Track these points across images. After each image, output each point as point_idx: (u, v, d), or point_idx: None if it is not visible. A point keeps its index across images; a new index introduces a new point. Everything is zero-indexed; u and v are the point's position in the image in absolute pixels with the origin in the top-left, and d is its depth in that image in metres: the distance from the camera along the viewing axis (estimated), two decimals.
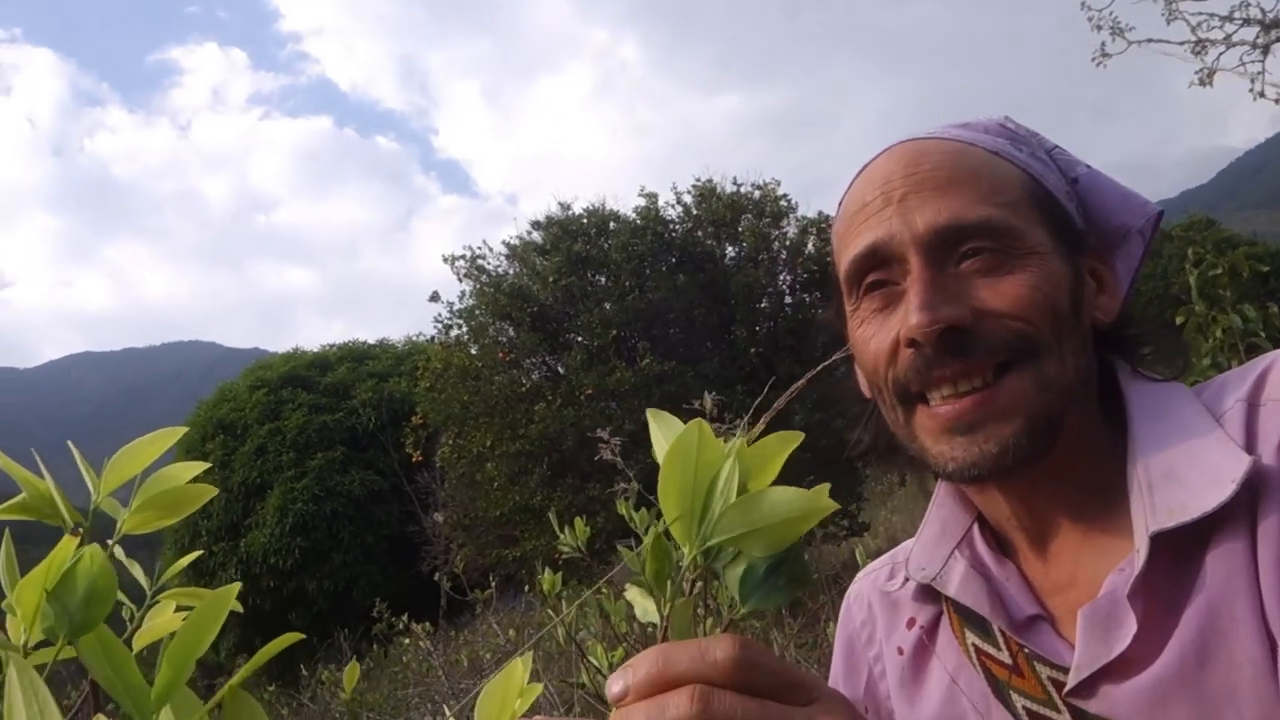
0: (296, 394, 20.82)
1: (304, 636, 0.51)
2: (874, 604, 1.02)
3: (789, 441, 0.50)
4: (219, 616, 0.41)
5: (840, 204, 0.94)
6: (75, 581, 0.42)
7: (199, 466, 0.57)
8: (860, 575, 1.08)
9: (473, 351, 14.24)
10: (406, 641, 7.82)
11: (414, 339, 23.73)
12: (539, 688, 0.60)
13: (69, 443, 0.57)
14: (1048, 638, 0.83)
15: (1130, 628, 0.73)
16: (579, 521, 2.07)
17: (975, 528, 0.93)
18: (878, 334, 0.86)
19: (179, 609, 0.62)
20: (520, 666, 0.53)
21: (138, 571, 0.63)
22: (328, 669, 9.21)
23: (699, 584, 0.53)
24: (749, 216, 14.34)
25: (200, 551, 0.74)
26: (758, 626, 5.25)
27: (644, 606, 0.66)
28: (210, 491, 0.56)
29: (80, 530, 0.47)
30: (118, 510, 0.55)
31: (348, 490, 19.23)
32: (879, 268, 0.85)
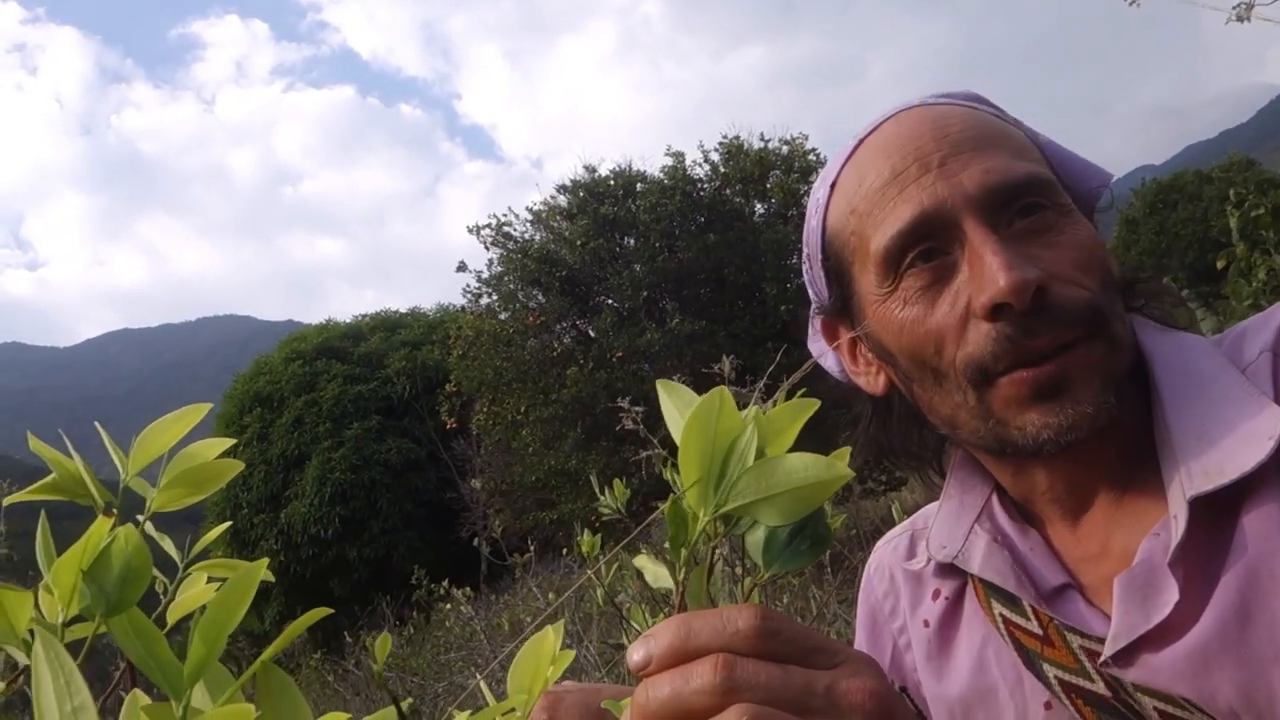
0: (331, 365, 21.03)
1: (333, 611, 0.51)
2: (896, 576, 1.00)
3: (803, 410, 0.48)
4: (249, 591, 0.41)
5: (835, 183, 0.88)
6: (110, 561, 0.42)
7: (225, 442, 0.57)
8: (880, 544, 1.06)
9: (503, 318, 14.30)
10: (448, 607, 7.93)
11: (445, 307, 23.86)
12: (571, 654, 0.60)
13: (96, 423, 0.57)
14: (1077, 607, 0.81)
15: (1171, 595, 0.71)
16: (618, 483, 2.07)
17: (994, 498, 0.91)
18: (932, 312, 0.80)
19: (211, 580, 0.63)
20: (551, 634, 0.52)
21: (168, 545, 0.63)
22: (370, 635, 9.36)
23: (717, 551, 0.52)
24: (777, 172, 14.24)
25: (229, 524, 0.74)
26: (796, 584, 5.27)
27: (654, 572, 0.66)
28: (236, 467, 0.56)
29: (113, 510, 0.47)
30: (146, 489, 0.55)
31: (385, 459, 19.45)
32: (926, 239, 0.80)
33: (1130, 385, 0.80)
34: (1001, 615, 0.85)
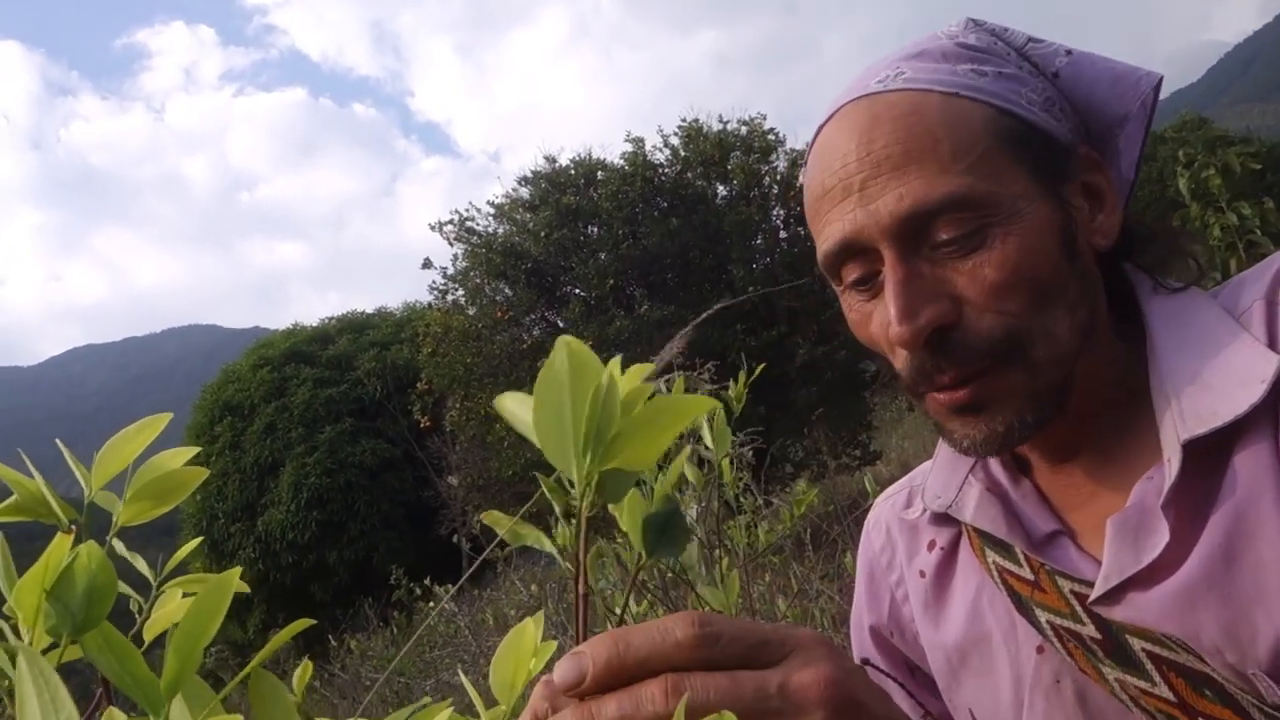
0: (300, 370, 20.88)
1: (315, 622, 0.51)
2: (893, 529, 1.01)
3: (697, 406, 0.46)
4: (222, 602, 0.41)
5: (805, 172, 0.89)
6: (74, 579, 0.41)
7: (189, 451, 0.57)
8: (879, 500, 1.07)
9: (471, 313, 14.25)
10: (430, 605, 7.90)
11: (412, 305, 23.74)
12: (554, 645, 0.60)
13: (57, 441, 0.56)
14: (1068, 553, 0.82)
15: (1161, 536, 0.73)
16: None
17: None
18: (869, 323, 0.83)
19: (186, 596, 0.62)
20: (532, 626, 0.52)
21: (141, 564, 0.63)
22: (355, 638, 9.34)
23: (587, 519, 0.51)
24: (738, 154, 14.25)
25: (201, 539, 0.73)
26: (776, 562, 5.30)
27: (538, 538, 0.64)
28: (201, 474, 0.56)
29: (76, 526, 0.47)
30: (114, 503, 0.55)
31: (359, 461, 19.36)
32: (853, 259, 0.81)
33: (1098, 357, 0.81)
34: (995, 563, 0.86)
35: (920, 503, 0.98)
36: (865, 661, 1.01)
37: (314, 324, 23.68)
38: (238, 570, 0.42)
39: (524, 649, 0.53)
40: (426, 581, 8.10)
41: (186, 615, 0.40)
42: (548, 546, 0.51)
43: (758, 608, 3.54)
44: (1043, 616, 0.81)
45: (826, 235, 0.82)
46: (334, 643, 8.92)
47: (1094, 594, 0.77)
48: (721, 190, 14.43)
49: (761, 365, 2.52)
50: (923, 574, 0.95)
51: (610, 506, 0.51)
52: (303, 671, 0.43)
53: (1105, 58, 0.85)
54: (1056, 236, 0.78)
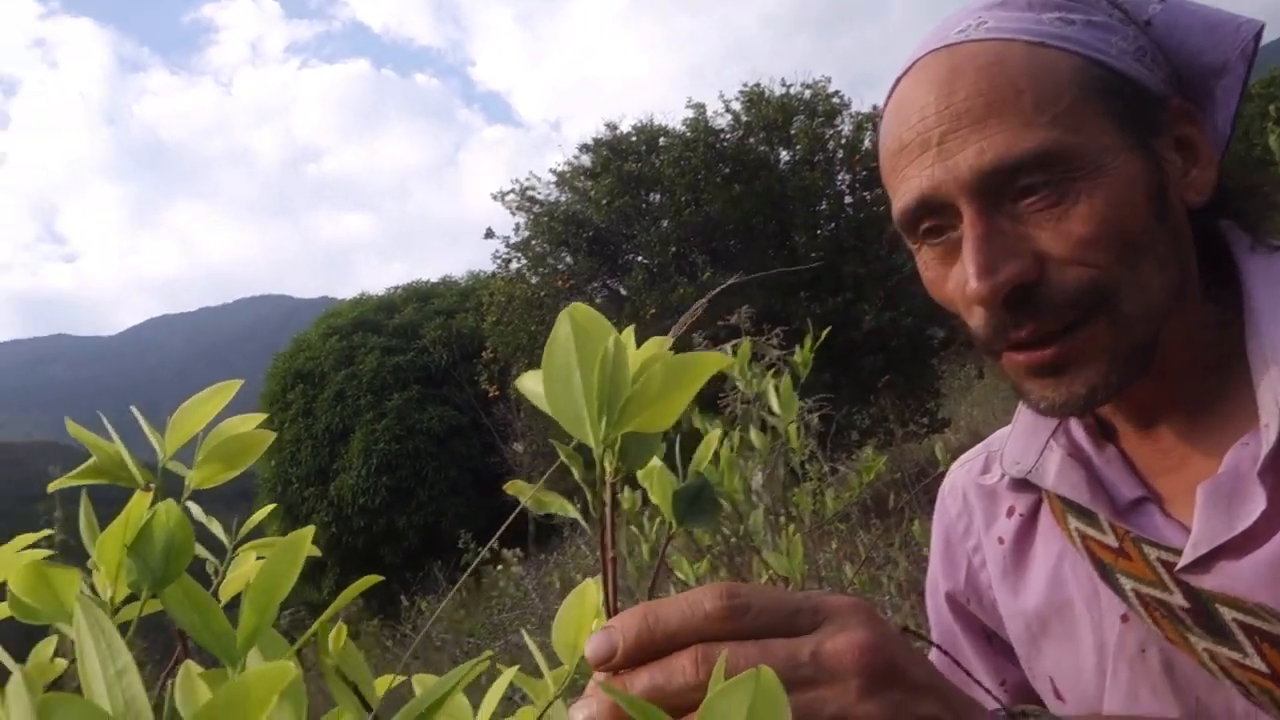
0: (367, 338, 21.20)
1: (384, 579, 0.52)
2: (970, 495, 0.99)
3: (712, 363, 0.45)
4: (296, 557, 0.42)
5: (880, 128, 0.86)
6: (153, 535, 0.43)
7: (257, 417, 0.58)
8: (955, 466, 1.05)
9: (533, 282, 14.31)
10: (498, 569, 8.02)
11: (476, 274, 23.94)
12: None
13: (132, 408, 0.58)
14: (1154, 520, 0.80)
15: (1257, 504, 0.71)
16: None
17: None
18: (945, 282, 0.81)
19: (261, 559, 0.64)
20: (593, 587, 0.53)
21: (216, 527, 0.64)
22: (425, 600, 9.54)
23: (621, 490, 0.50)
24: (801, 118, 14.06)
25: (274, 505, 0.74)
26: (843, 529, 5.28)
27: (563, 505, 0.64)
28: (268, 438, 0.57)
29: (151, 487, 0.48)
30: (184, 469, 0.56)
31: (427, 428, 19.64)
32: (930, 216, 0.79)
33: (1190, 319, 0.79)
34: (1077, 529, 0.84)
35: (998, 468, 0.95)
36: (905, 629, 1.00)
37: (380, 293, 24.02)
38: (310, 529, 0.43)
39: (585, 610, 0.54)
40: (494, 544, 8.22)
41: (261, 571, 0.41)
42: (571, 512, 0.52)
43: (824, 574, 3.53)
44: (1128, 585, 0.79)
45: (903, 192, 0.80)
46: (405, 603, 9.11)
47: (1182, 561, 0.74)
48: (785, 155, 14.26)
49: (827, 330, 2.50)
50: (1001, 540, 0.93)
51: (639, 478, 0.51)
52: (337, 634, 0.44)
53: (1201, 4, 0.82)
54: (1146, 191, 0.75)
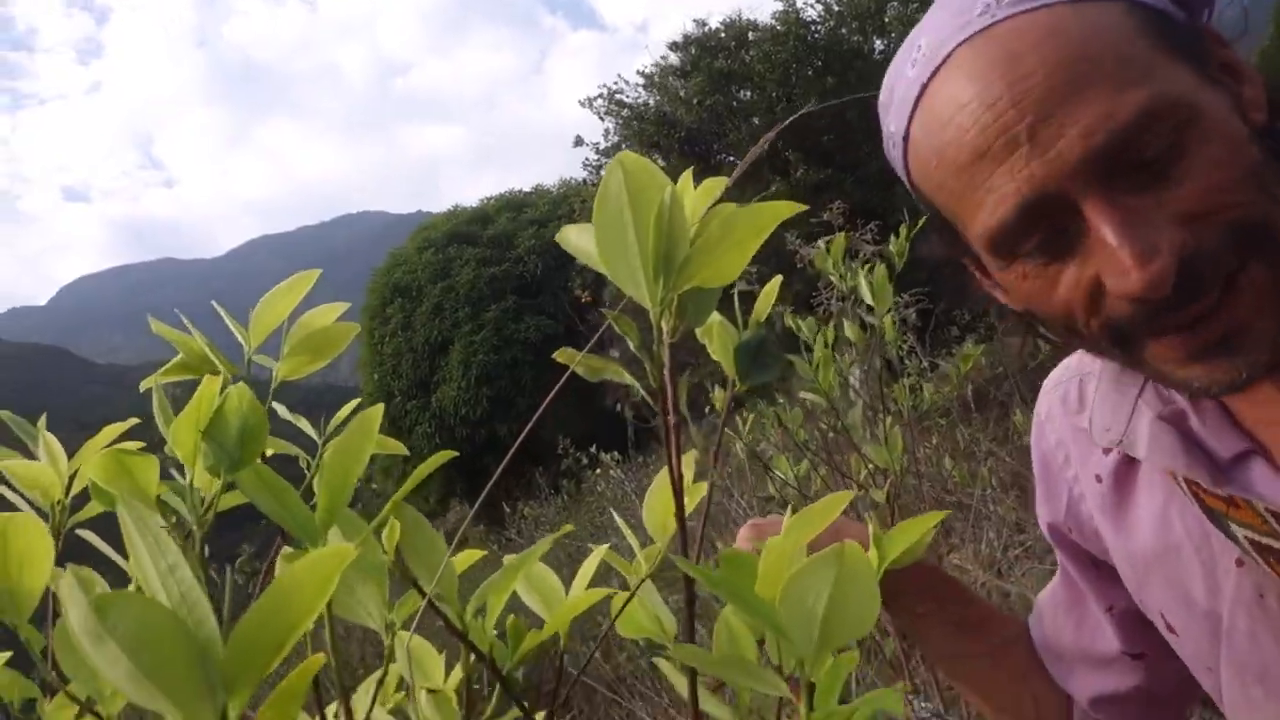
0: (463, 250, 21.48)
1: (457, 454, 0.52)
2: (1064, 432, 0.93)
3: (777, 213, 0.41)
4: (366, 439, 0.41)
5: (908, 137, 0.75)
6: (227, 419, 0.43)
7: (340, 307, 0.58)
8: (1047, 388, 0.97)
9: None
10: (597, 472, 8.16)
11: (568, 181, 23.94)
12: (703, 487, 0.59)
13: (213, 302, 0.58)
14: (1261, 474, 0.74)
15: None
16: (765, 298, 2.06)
17: None
18: (1054, 290, 0.71)
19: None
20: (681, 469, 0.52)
21: (304, 424, 0.65)
22: (528, 505, 9.79)
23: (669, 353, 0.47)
24: (895, 4, 13.54)
25: (357, 401, 0.73)
26: (944, 424, 5.21)
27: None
28: (352, 329, 0.57)
29: (239, 380, 0.48)
30: (270, 362, 0.57)
31: (524, 337, 19.94)
32: (1039, 222, 0.68)
33: None
34: (1184, 477, 0.78)
35: (1087, 413, 0.87)
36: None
37: (473, 205, 24.23)
38: (379, 408, 0.43)
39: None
40: (593, 450, 8.36)
41: (334, 453, 0.41)
42: (625, 378, 0.50)
43: (923, 469, 3.49)
44: (1240, 532, 0.74)
45: (993, 205, 0.69)
46: (508, 510, 9.35)
47: None
48: (879, 44, 13.79)
49: (923, 219, 2.40)
50: (1099, 478, 0.88)
51: (699, 335, 0.49)
52: (391, 530, 0.43)
53: None
54: (1238, 121, 0.67)
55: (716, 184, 0.42)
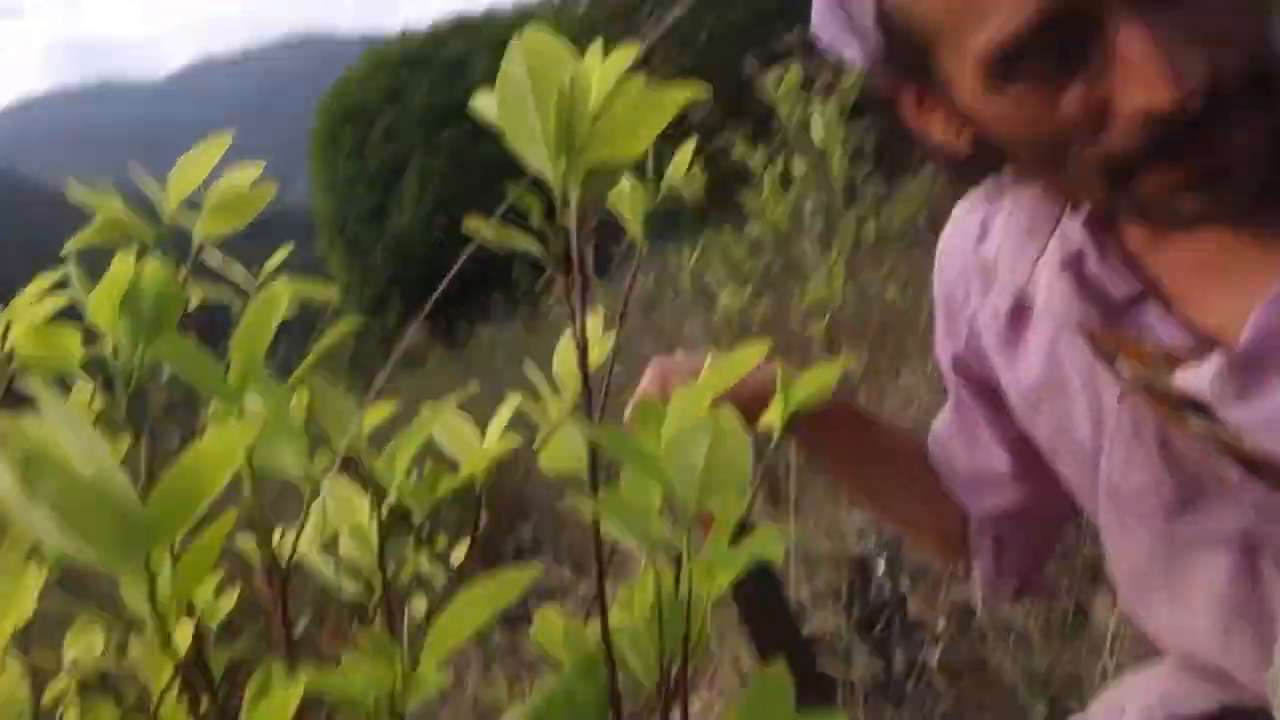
0: (415, 74, 20.81)
1: (364, 321, 0.54)
2: (967, 266, 0.94)
3: (684, 96, 0.41)
4: (276, 307, 0.44)
5: None
6: (142, 291, 0.45)
7: (256, 168, 0.59)
8: (950, 228, 0.98)
9: (579, 13, 13.76)
10: (551, 301, 8.23)
11: (521, 5, 23.06)
12: (612, 335, 0.63)
13: (131, 162, 0.59)
14: (1152, 316, 0.76)
15: None
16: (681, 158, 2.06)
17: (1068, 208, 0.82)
18: (1054, 110, 0.66)
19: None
20: (593, 320, 0.55)
21: (238, 272, 0.65)
22: (486, 326, 9.95)
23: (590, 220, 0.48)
24: None
25: (290, 248, 0.73)
26: (898, 247, 5.22)
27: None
28: (269, 192, 0.58)
29: (145, 246, 0.50)
30: (191, 219, 0.58)
31: (483, 161, 19.62)
32: (1050, 38, 0.63)
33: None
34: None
35: (994, 243, 0.89)
36: None
37: (425, 29, 23.35)
38: (286, 248, 0.45)
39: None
40: (546, 275, 8.41)
41: (248, 316, 0.44)
42: (536, 250, 0.52)
43: (869, 294, 3.55)
44: (1125, 369, 0.76)
45: (1007, 15, 0.63)
46: (466, 330, 9.49)
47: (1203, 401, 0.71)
48: None
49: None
50: (995, 315, 0.90)
51: (610, 200, 0.51)
52: (300, 395, 0.46)
53: None
54: None
55: (621, 59, 0.42)
